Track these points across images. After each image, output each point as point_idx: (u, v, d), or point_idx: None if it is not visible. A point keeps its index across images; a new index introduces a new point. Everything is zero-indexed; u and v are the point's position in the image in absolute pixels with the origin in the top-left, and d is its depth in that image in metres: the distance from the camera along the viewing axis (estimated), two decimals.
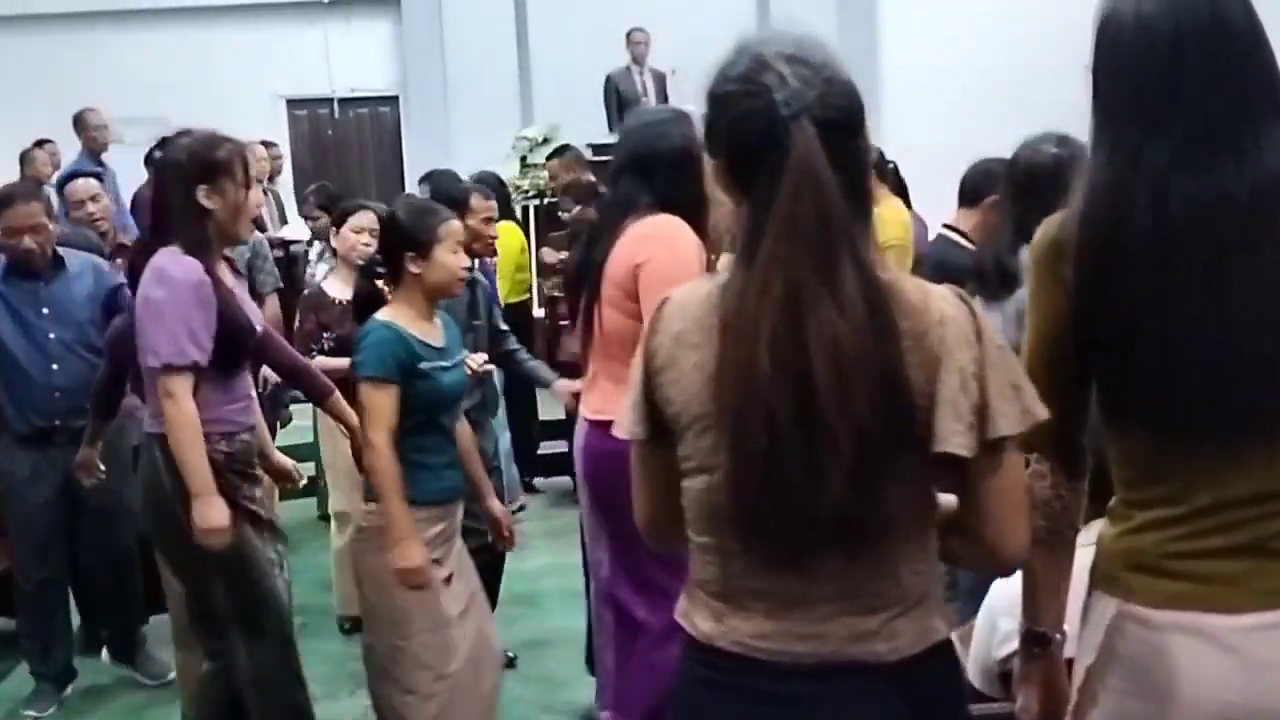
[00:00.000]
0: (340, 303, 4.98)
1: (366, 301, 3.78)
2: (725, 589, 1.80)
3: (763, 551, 1.75)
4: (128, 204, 7.63)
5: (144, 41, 13.05)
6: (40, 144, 10.23)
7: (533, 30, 13.10)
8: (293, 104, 13.78)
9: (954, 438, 1.69)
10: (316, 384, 4.21)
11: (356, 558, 3.79)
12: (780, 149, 1.66)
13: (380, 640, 3.68)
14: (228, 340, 3.57)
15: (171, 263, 3.47)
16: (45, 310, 4.68)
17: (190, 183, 3.50)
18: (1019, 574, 2.07)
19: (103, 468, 4.57)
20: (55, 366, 4.67)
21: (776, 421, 1.65)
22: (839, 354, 1.65)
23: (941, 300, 1.73)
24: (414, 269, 3.56)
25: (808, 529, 1.70)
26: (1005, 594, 2.55)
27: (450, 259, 3.62)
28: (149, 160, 3.72)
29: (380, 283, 3.81)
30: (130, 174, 10.13)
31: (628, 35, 11.04)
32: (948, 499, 1.82)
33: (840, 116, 1.70)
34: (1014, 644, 2.50)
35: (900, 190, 6.63)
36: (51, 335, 4.67)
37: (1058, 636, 2.03)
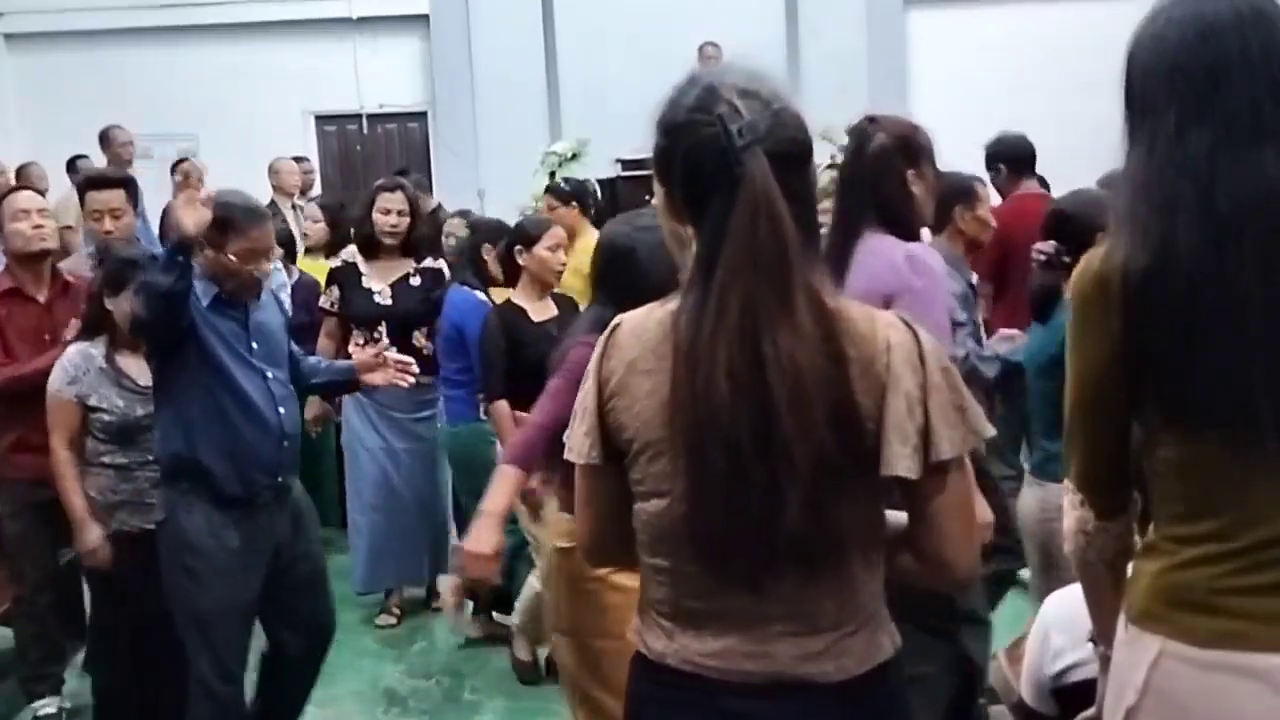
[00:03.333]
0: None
1: (1044, 296, 3.74)
2: (676, 609, 1.84)
3: (717, 572, 1.78)
4: (155, 218, 7.65)
5: (174, 58, 13.10)
6: (75, 159, 10.31)
7: (561, 46, 13.11)
8: (321, 120, 13.80)
9: (900, 461, 1.74)
10: None
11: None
12: (733, 178, 1.70)
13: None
14: None
15: (925, 252, 3.31)
16: (255, 345, 3.87)
17: (902, 167, 3.35)
18: (1073, 590, 2.04)
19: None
20: (282, 410, 3.88)
21: (737, 446, 1.69)
22: (797, 379, 1.68)
23: (888, 327, 1.78)
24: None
25: (765, 550, 1.74)
26: (1058, 609, 2.52)
27: None
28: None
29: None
30: (157, 189, 10.26)
31: (700, 49, 10.97)
32: (898, 517, 1.85)
33: (791, 148, 1.75)
34: (1067, 659, 2.49)
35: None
36: (269, 374, 3.89)
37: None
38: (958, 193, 4.49)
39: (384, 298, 5.60)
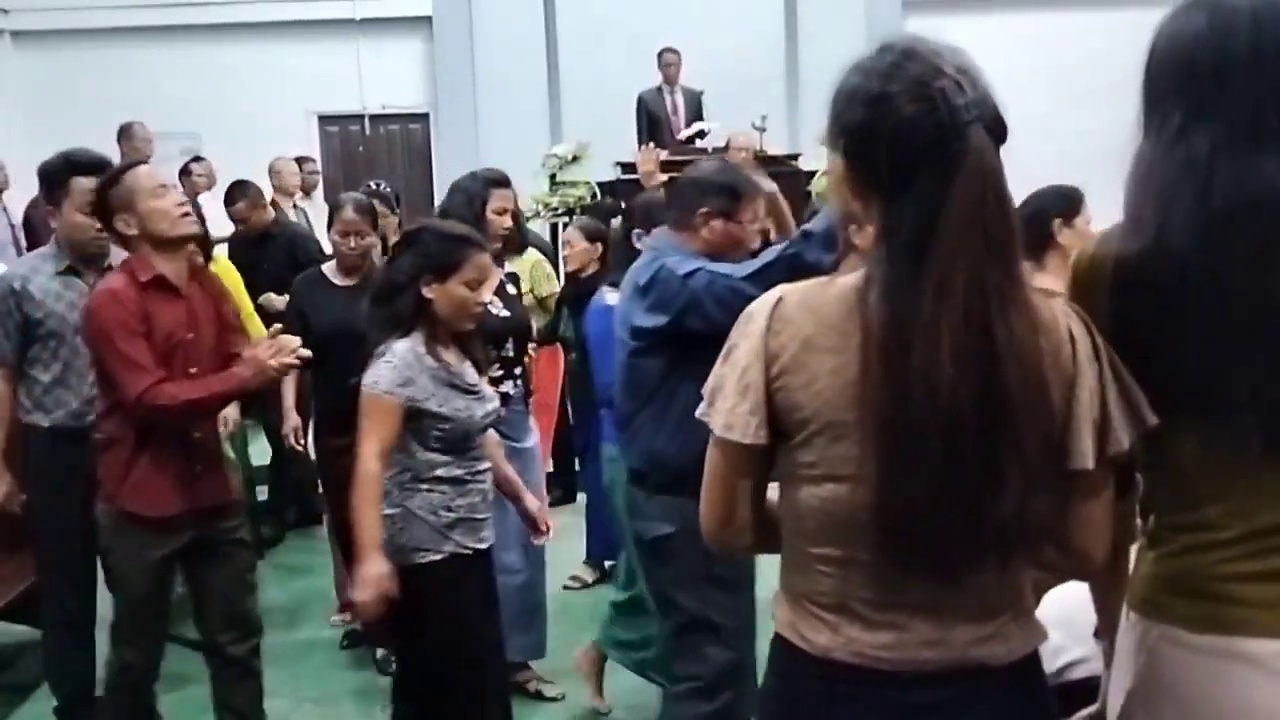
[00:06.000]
0: None
1: None
2: (842, 600, 1.77)
3: (906, 562, 1.71)
4: None
5: (178, 57, 13.15)
6: None
7: (563, 48, 13.14)
8: (324, 120, 13.85)
9: (1090, 454, 1.72)
10: None
11: None
12: (949, 153, 1.64)
13: None
14: None
15: None
16: None
17: None
18: (1070, 588, 2.04)
19: None
20: None
21: (958, 429, 1.62)
22: (1030, 361, 1.64)
23: (1067, 317, 1.74)
24: None
25: (973, 539, 1.68)
26: (1056, 607, 2.51)
27: None
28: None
29: None
30: None
31: (659, 56, 11.06)
32: None
33: (999, 129, 1.70)
34: (1065, 657, 2.49)
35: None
36: None
37: None
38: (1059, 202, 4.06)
39: (498, 308, 4.62)
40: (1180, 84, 1.78)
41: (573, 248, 6.13)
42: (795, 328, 1.74)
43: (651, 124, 10.94)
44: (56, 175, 4.35)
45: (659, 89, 11.13)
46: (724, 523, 1.87)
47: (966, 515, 1.65)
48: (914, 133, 1.66)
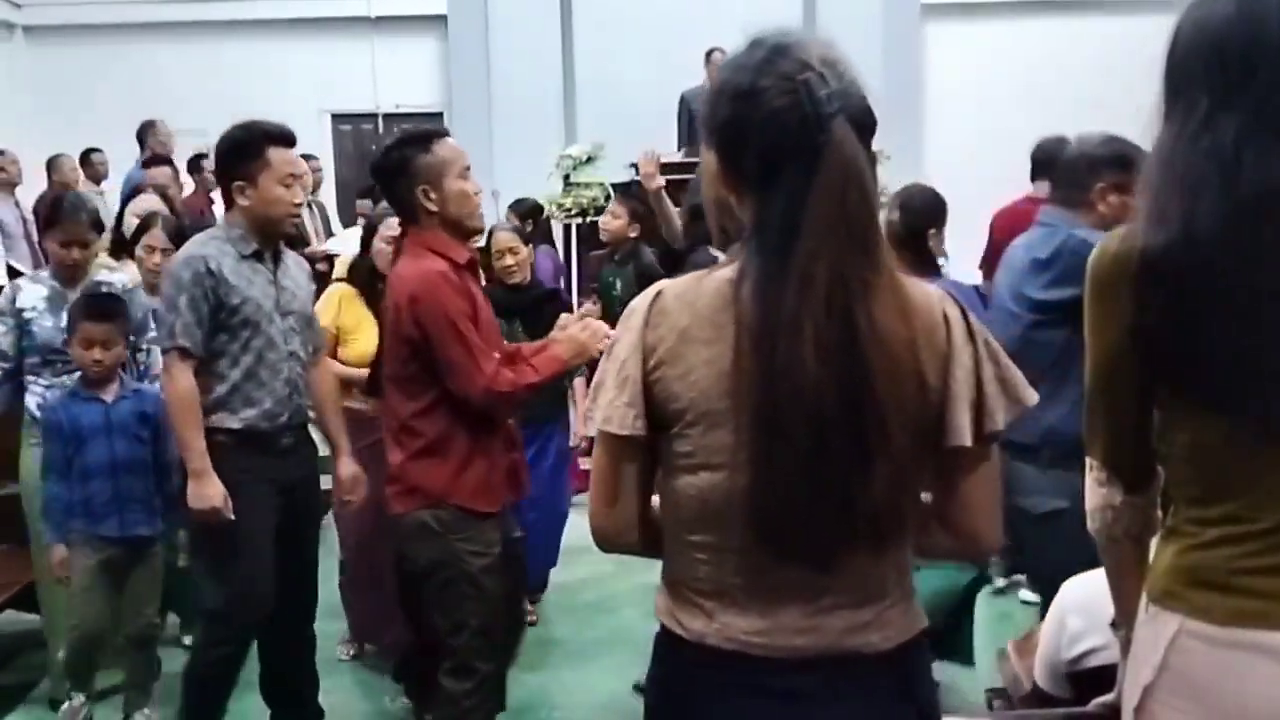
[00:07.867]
0: None
1: None
2: (718, 586, 1.79)
3: (780, 549, 1.73)
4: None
5: (190, 53, 13.17)
6: (89, 152, 10.33)
7: (578, 49, 13.15)
8: (337, 119, 13.86)
9: (967, 431, 1.74)
10: None
11: None
12: (814, 145, 1.66)
13: None
14: None
15: None
16: None
17: None
18: (1091, 575, 2.04)
19: None
20: None
21: (824, 419, 1.64)
22: (891, 349, 1.66)
23: (941, 300, 1.77)
24: None
25: (842, 526, 1.70)
26: (1074, 593, 2.51)
27: None
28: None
29: None
30: None
31: (707, 55, 10.99)
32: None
33: (867, 119, 1.72)
34: (1084, 644, 2.49)
35: None
36: None
37: None
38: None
39: None
40: (1207, 71, 1.76)
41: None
42: (673, 320, 1.76)
43: (692, 123, 10.90)
44: (249, 146, 3.98)
45: (702, 87, 11.09)
46: (618, 520, 1.87)
47: (836, 504, 1.68)
48: (779, 126, 1.68)
